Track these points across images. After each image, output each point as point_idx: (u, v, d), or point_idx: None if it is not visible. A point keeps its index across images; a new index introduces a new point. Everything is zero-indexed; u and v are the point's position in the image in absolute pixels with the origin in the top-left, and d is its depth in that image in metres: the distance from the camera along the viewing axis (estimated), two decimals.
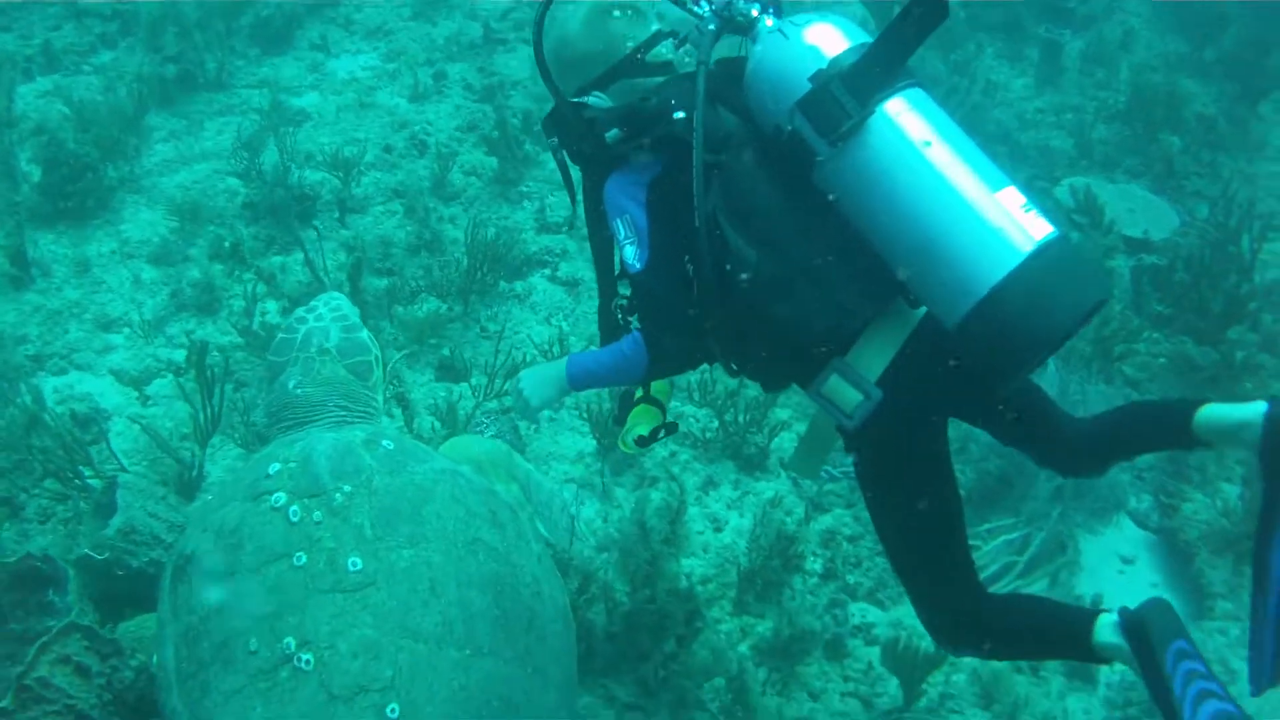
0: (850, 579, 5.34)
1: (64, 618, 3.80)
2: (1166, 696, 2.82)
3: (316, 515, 3.38)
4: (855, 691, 4.84)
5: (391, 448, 3.72)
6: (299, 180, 7.82)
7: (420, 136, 8.68)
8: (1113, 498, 5.81)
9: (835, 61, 2.95)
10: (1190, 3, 10.38)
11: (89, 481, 5.20)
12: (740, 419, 5.93)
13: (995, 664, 4.74)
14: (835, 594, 5.22)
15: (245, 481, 3.61)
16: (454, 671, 3.21)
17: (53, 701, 3.46)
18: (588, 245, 6.94)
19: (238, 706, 3.11)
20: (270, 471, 3.55)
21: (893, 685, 4.81)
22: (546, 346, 6.50)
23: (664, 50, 3.38)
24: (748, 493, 5.78)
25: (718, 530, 5.55)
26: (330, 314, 4.34)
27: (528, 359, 6.43)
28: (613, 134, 3.18)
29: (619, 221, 3.24)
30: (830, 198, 3.02)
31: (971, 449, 5.69)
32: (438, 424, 5.88)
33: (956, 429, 3.44)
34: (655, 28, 3.39)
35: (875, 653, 4.95)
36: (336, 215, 7.72)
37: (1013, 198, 2.84)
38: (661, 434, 3.78)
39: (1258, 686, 2.95)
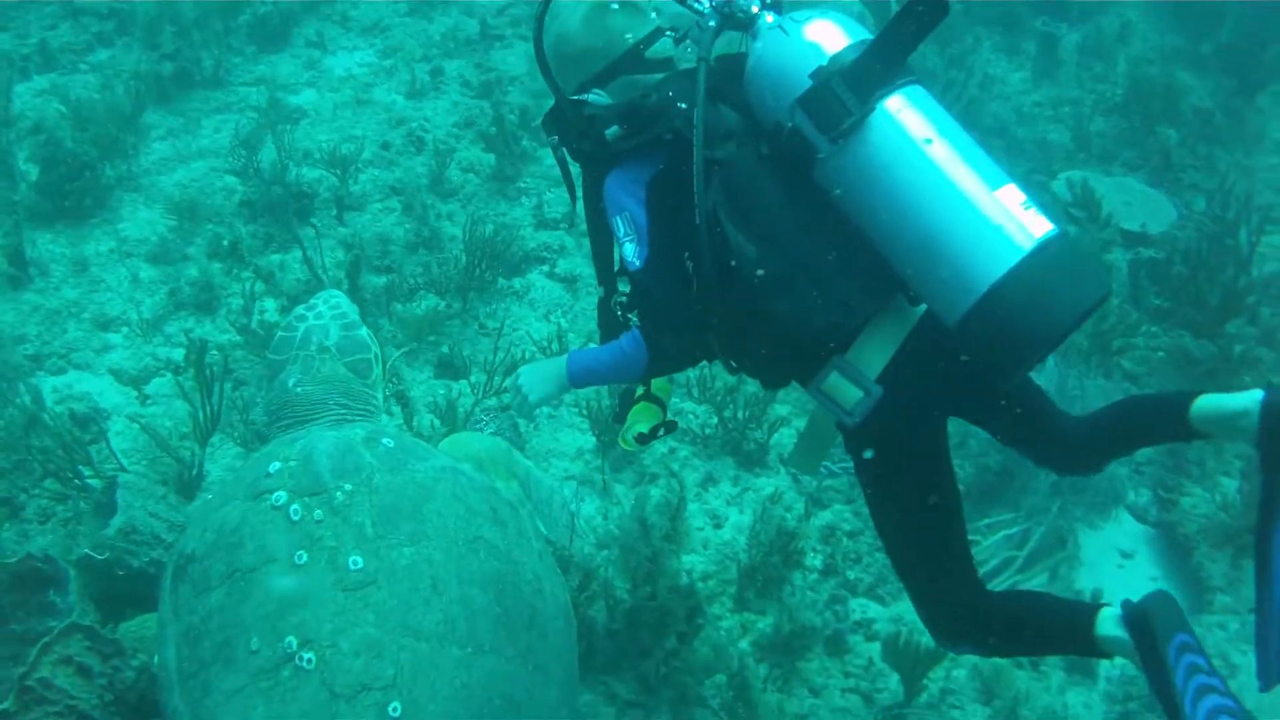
0: (850, 575, 5.34)
1: (65, 618, 3.79)
2: (1168, 690, 2.82)
3: (317, 514, 3.38)
4: (856, 687, 4.85)
5: (392, 445, 3.72)
6: (297, 178, 7.82)
7: (418, 133, 8.67)
8: (1112, 492, 5.81)
9: (836, 58, 2.95)
10: None
11: (89, 481, 5.20)
12: (740, 415, 5.94)
13: (995, 659, 4.75)
14: (836, 590, 5.23)
15: (246, 480, 3.61)
16: (456, 669, 3.20)
17: (54, 702, 3.45)
18: (586, 241, 6.97)
19: (239, 706, 3.10)
20: (271, 470, 3.54)
21: (893, 681, 4.82)
22: (545, 343, 6.50)
23: (662, 47, 3.38)
24: (747, 489, 5.79)
25: (718, 527, 5.56)
26: (330, 312, 4.33)
27: (527, 356, 6.42)
28: (613, 131, 3.19)
29: (618, 219, 3.24)
30: (834, 193, 3.02)
31: (971, 444, 5.70)
32: (437, 421, 5.88)
33: (956, 424, 3.44)
34: (654, 24, 3.39)
35: (876, 648, 4.96)
36: (334, 213, 7.72)
37: (1013, 195, 2.85)
38: (661, 432, 3.78)
39: (1266, 681, 2.95)
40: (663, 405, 3.82)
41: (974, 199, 2.83)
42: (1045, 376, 5.82)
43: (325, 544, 3.32)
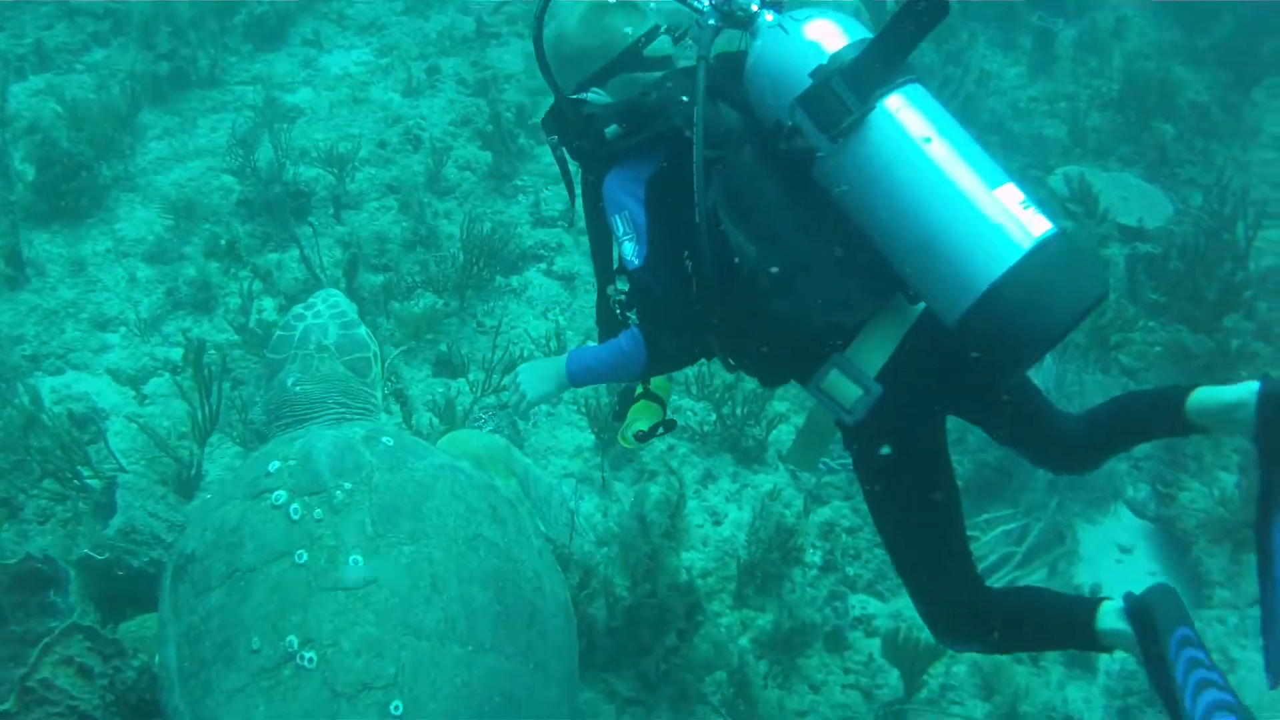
0: (850, 571, 5.35)
1: (65, 619, 3.79)
2: (1168, 684, 2.82)
3: (317, 513, 3.38)
4: (856, 683, 4.85)
5: (391, 444, 3.72)
6: (294, 177, 7.81)
7: (414, 131, 8.67)
8: (1110, 487, 5.82)
9: (836, 57, 2.95)
10: None
11: (88, 481, 5.20)
12: (738, 412, 5.94)
13: (995, 655, 4.75)
14: (835, 586, 5.23)
15: (245, 480, 3.61)
16: (457, 668, 3.21)
17: (55, 703, 3.45)
18: (583, 239, 6.99)
19: (240, 705, 3.10)
20: (270, 469, 3.54)
21: (893, 677, 4.82)
22: (543, 341, 6.49)
23: (661, 45, 3.39)
24: (746, 486, 5.79)
25: (717, 524, 5.56)
26: (328, 310, 4.33)
27: (525, 353, 6.42)
28: (612, 130, 3.19)
29: (618, 218, 3.24)
30: (834, 192, 3.02)
31: (969, 440, 5.70)
32: (436, 420, 5.88)
33: (954, 421, 3.44)
34: (653, 22, 3.39)
35: (876, 644, 4.96)
36: (331, 211, 7.71)
37: (1012, 194, 2.85)
38: (660, 430, 3.78)
39: (1275, 677, 2.95)
40: (662, 404, 3.83)
41: (973, 198, 2.83)
42: (1043, 373, 5.83)
43: (325, 543, 3.32)
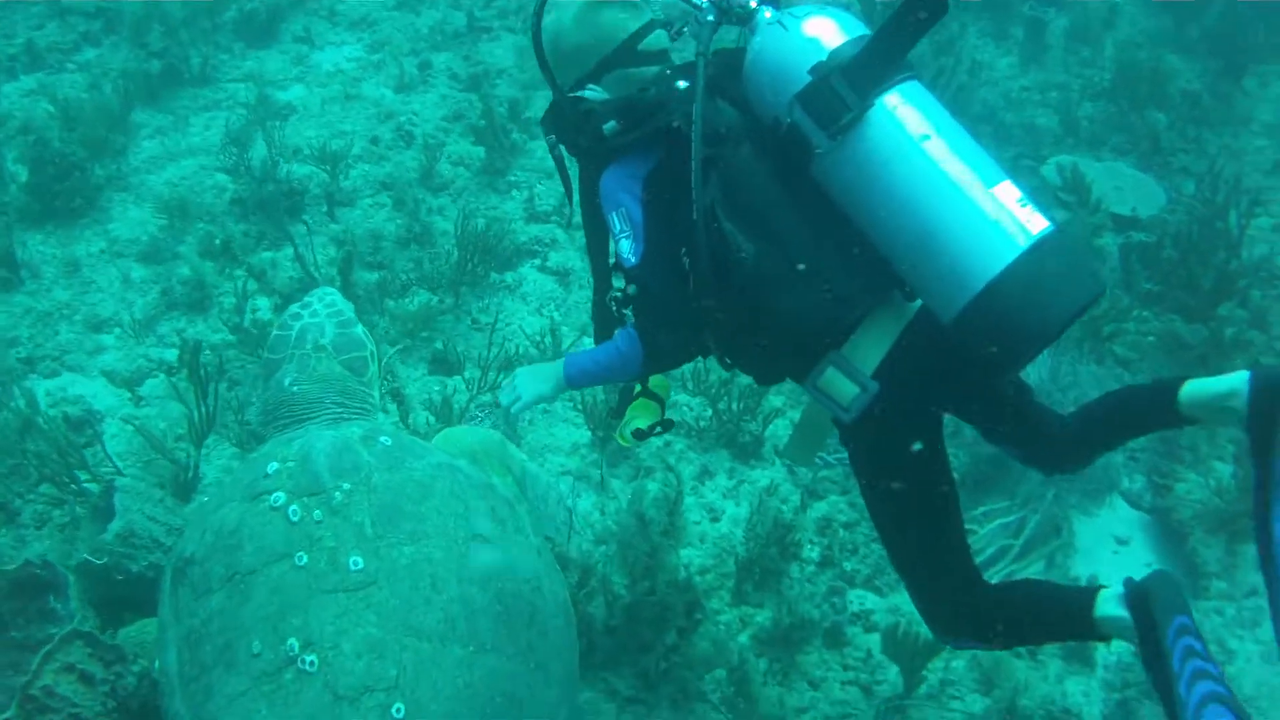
0: (847, 566, 5.35)
1: (65, 624, 3.80)
2: (1164, 671, 2.82)
3: (316, 514, 3.38)
4: (856, 679, 4.86)
5: (389, 444, 3.72)
6: (287, 175, 7.80)
7: (407, 127, 8.66)
8: (1106, 479, 5.83)
9: (835, 54, 2.95)
10: None
11: (85, 485, 5.20)
12: (734, 407, 5.94)
13: (994, 650, 4.76)
14: (833, 581, 5.24)
15: (243, 481, 3.61)
16: (458, 669, 3.21)
17: (57, 710, 3.46)
18: (577, 235, 6.98)
19: (242, 709, 3.11)
20: (269, 471, 3.55)
21: (893, 672, 4.83)
22: (539, 337, 6.49)
23: (656, 39, 3.38)
24: (743, 481, 5.79)
25: (714, 520, 5.56)
26: (325, 310, 4.33)
27: (520, 350, 6.42)
28: (610, 126, 3.19)
29: (614, 215, 3.24)
30: (832, 189, 3.03)
31: (965, 433, 5.70)
32: (432, 418, 5.88)
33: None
34: (649, 17, 3.39)
35: (875, 640, 4.97)
36: (325, 209, 7.70)
37: (1009, 192, 2.85)
38: (658, 430, 3.78)
39: None
40: (661, 402, 3.83)
41: (971, 195, 2.84)
42: (1037, 364, 5.83)
43: (325, 544, 3.33)
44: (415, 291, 6.96)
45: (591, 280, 3.63)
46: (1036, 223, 2.83)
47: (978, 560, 3.49)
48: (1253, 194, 7.20)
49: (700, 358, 3.55)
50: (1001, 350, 2.88)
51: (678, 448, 5.91)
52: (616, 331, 3.48)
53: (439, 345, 6.50)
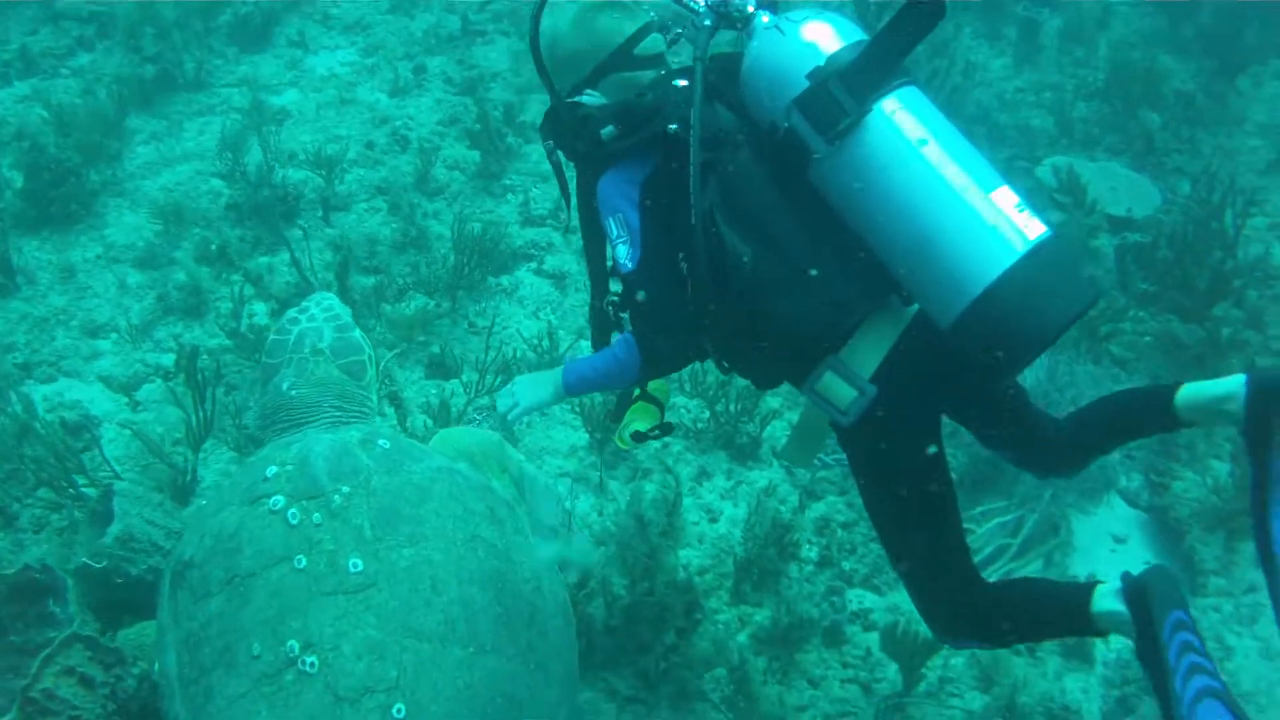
0: (846, 565, 5.35)
1: (64, 628, 3.81)
2: (1160, 666, 2.83)
3: (316, 517, 3.39)
4: (855, 677, 4.86)
5: (388, 447, 3.72)
6: (282, 179, 7.79)
7: (402, 132, 8.65)
8: (1103, 478, 5.84)
9: (833, 59, 2.96)
10: None
11: (83, 490, 5.20)
12: (732, 409, 5.94)
13: (994, 649, 4.77)
14: (832, 581, 5.24)
15: (242, 485, 3.61)
16: (458, 670, 3.22)
17: (58, 713, 3.46)
18: (573, 238, 6.98)
19: (242, 711, 3.11)
20: (267, 474, 3.55)
21: (892, 670, 4.83)
22: (536, 340, 6.49)
23: (652, 43, 3.39)
24: (741, 482, 5.79)
25: (713, 521, 5.57)
26: (322, 314, 4.33)
27: (517, 354, 6.42)
28: (608, 131, 3.19)
29: (611, 220, 3.24)
30: (830, 194, 3.03)
31: (963, 433, 5.67)
32: (430, 422, 5.87)
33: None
34: (645, 21, 3.39)
35: (874, 638, 4.97)
36: (321, 214, 7.69)
37: (1007, 197, 2.86)
38: (656, 433, 3.78)
39: None
40: (660, 406, 3.83)
41: (969, 200, 2.84)
42: (1035, 365, 5.82)
43: (324, 547, 3.33)
44: (412, 296, 6.96)
45: (589, 284, 3.64)
46: (1034, 228, 2.84)
47: (976, 559, 3.50)
48: (1248, 194, 7.21)
49: (698, 361, 3.55)
50: (998, 355, 2.89)
51: (675, 449, 5.91)
52: (614, 338, 3.49)
53: (436, 349, 6.50)
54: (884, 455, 3.31)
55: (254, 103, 8.83)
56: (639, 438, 3.76)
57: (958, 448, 5.61)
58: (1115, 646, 4.98)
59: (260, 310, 6.78)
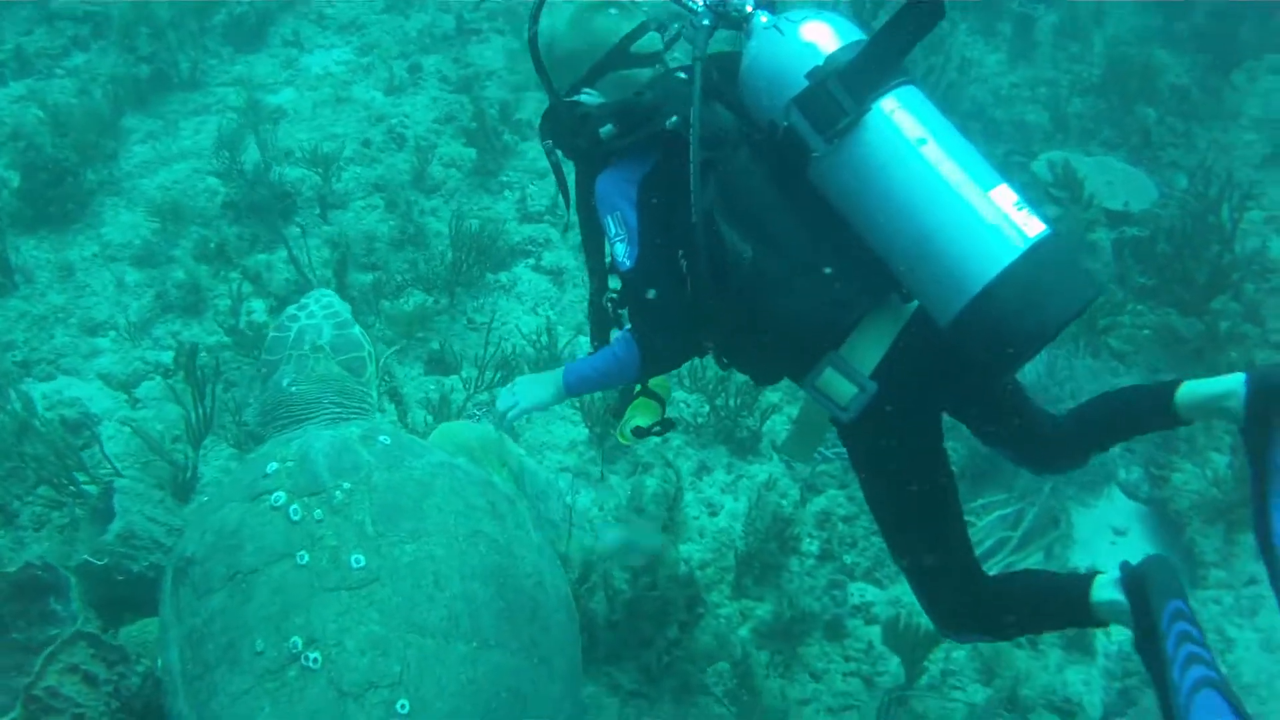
0: (847, 559, 5.35)
1: (67, 625, 3.80)
2: (1158, 655, 2.85)
3: (317, 513, 3.39)
4: (857, 671, 4.86)
5: (389, 443, 3.73)
6: (279, 178, 7.79)
7: (398, 130, 8.65)
8: (1103, 470, 5.84)
9: (832, 59, 2.97)
10: None
11: (83, 487, 5.19)
12: (731, 403, 5.94)
13: (996, 642, 4.77)
14: (833, 574, 5.24)
15: (243, 482, 3.62)
16: (461, 665, 3.22)
17: (61, 711, 3.46)
18: (570, 234, 6.97)
19: (245, 708, 3.12)
20: (268, 471, 3.55)
21: (894, 663, 4.83)
22: (534, 336, 6.48)
23: (649, 42, 3.39)
24: (741, 476, 5.79)
25: (713, 515, 5.56)
26: (322, 311, 4.34)
27: (516, 350, 6.42)
28: (607, 129, 3.19)
29: (609, 219, 3.25)
30: (829, 192, 3.05)
31: (963, 426, 5.71)
32: (430, 418, 5.87)
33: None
34: (641, 19, 3.40)
35: (875, 632, 4.97)
36: (318, 211, 7.69)
37: (1006, 195, 2.88)
38: (657, 429, 3.78)
39: None
40: (661, 402, 3.83)
41: (968, 199, 2.86)
42: (1034, 360, 5.84)
43: (326, 543, 3.34)
44: (410, 292, 6.96)
45: (587, 281, 3.64)
46: (1033, 226, 2.85)
47: (976, 552, 3.51)
48: (1244, 188, 7.21)
49: (697, 358, 3.56)
50: (998, 352, 2.90)
51: (675, 443, 5.91)
52: (613, 336, 3.50)
53: (435, 345, 6.50)
54: (884, 451, 3.32)
55: (250, 102, 8.82)
56: (640, 433, 3.76)
57: (957, 440, 5.61)
58: (1117, 639, 4.98)
59: (259, 307, 6.77)
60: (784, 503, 5.44)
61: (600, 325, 3.61)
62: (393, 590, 3.27)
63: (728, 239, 3.10)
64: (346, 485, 3.48)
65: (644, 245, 3.20)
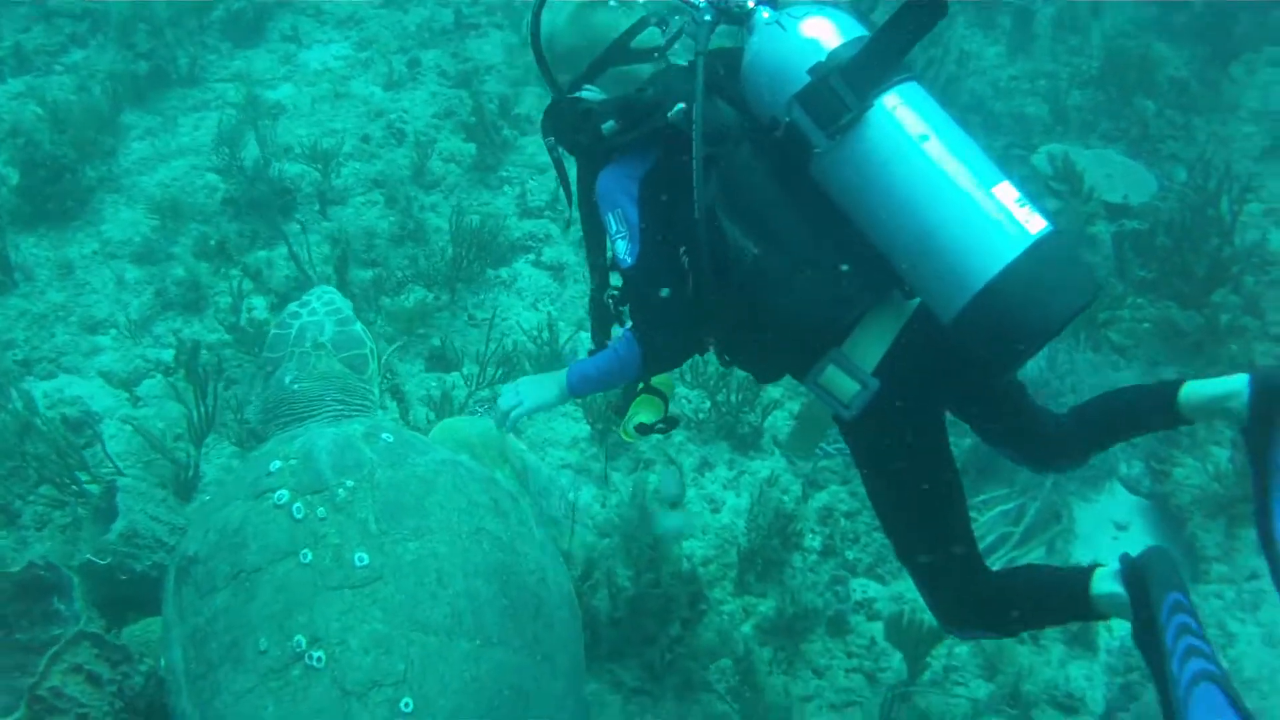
0: (849, 555, 5.36)
1: (70, 625, 3.80)
2: (1157, 647, 2.85)
3: (320, 511, 3.39)
4: (860, 667, 4.87)
5: (391, 440, 3.73)
6: (279, 174, 7.78)
7: (397, 125, 8.64)
8: (1104, 465, 5.84)
9: (834, 55, 2.97)
10: None
11: (85, 486, 5.19)
12: (733, 399, 5.94)
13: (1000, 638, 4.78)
14: (836, 570, 5.25)
15: (246, 480, 3.62)
16: (465, 662, 3.22)
17: (65, 711, 3.46)
18: (571, 229, 6.96)
19: (249, 707, 3.12)
20: (271, 469, 3.55)
21: (896, 659, 4.84)
22: (535, 332, 6.48)
23: (649, 37, 3.38)
24: (743, 472, 5.79)
25: (715, 511, 5.57)
26: (323, 308, 4.34)
27: (517, 346, 6.42)
28: (609, 125, 3.19)
29: (611, 216, 3.25)
30: (831, 189, 3.04)
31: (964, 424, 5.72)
32: (432, 415, 5.87)
33: None
34: (640, 14, 3.39)
35: (878, 628, 4.98)
36: (317, 208, 7.68)
37: (1008, 192, 2.88)
38: (661, 426, 3.78)
39: None
40: (664, 399, 3.83)
41: (970, 196, 2.85)
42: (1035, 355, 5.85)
43: (330, 541, 3.34)
44: (411, 288, 6.96)
45: (589, 278, 3.64)
46: (1035, 223, 2.85)
47: (979, 547, 3.51)
48: (1243, 180, 7.21)
49: (698, 355, 3.56)
50: (1000, 349, 2.91)
51: (677, 440, 5.90)
52: (614, 335, 3.50)
53: (436, 342, 6.50)
54: (887, 448, 3.32)
55: (248, 97, 8.81)
56: (644, 430, 3.76)
57: (959, 435, 5.62)
58: (1119, 634, 4.99)
59: (259, 305, 6.77)
60: (786, 498, 5.44)
61: (601, 322, 3.61)
62: (396, 588, 3.27)
63: (730, 235, 3.10)
64: (350, 483, 3.48)
65: (645, 242, 3.20)
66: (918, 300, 3.18)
